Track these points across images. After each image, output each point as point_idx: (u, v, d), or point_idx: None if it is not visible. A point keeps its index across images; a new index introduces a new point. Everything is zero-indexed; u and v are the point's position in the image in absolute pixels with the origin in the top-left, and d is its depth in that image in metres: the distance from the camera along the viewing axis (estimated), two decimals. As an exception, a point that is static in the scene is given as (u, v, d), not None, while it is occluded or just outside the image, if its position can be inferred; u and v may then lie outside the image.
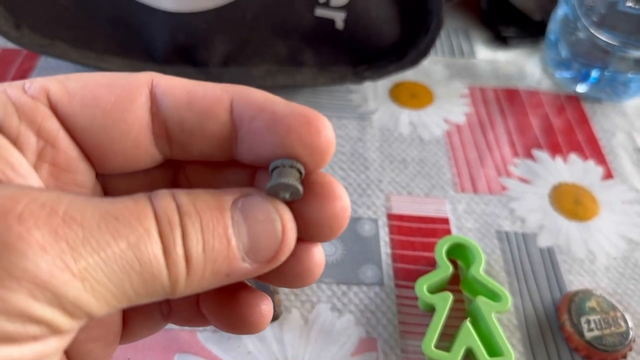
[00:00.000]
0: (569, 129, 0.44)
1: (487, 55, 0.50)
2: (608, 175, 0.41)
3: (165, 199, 0.14)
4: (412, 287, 0.33)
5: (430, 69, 0.48)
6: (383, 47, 0.41)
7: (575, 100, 0.46)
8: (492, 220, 0.37)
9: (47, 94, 0.17)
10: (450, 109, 0.44)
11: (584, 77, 0.46)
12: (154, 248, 0.14)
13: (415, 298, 0.33)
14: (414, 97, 0.45)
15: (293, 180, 0.16)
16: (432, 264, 0.34)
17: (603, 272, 0.35)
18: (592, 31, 0.43)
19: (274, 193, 0.16)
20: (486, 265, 0.35)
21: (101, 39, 0.40)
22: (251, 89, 0.17)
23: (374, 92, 0.45)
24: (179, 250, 0.14)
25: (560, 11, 0.46)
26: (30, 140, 0.16)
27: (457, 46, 0.50)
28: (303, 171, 0.16)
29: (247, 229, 0.15)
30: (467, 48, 0.50)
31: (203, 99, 0.16)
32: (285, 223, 0.16)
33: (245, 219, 0.15)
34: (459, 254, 0.34)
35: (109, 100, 0.16)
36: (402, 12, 0.41)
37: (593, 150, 0.43)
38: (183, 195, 0.15)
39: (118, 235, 0.13)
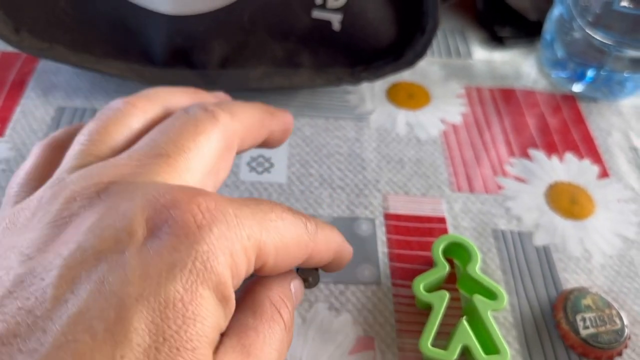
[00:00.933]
0: (564, 129, 0.44)
1: (483, 56, 0.50)
2: (604, 174, 0.41)
3: (280, 302, 0.22)
4: (409, 287, 0.33)
5: (427, 69, 0.48)
6: (380, 48, 0.42)
7: (571, 99, 0.47)
8: (488, 219, 0.38)
9: None
10: (446, 109, 0.45)
11: (580, 77, 0.46)
12: None
13: (413, 297, 0.33)
14: (411, 97, 0.45)
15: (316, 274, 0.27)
16: (429, 263, 0.35)
17: (599, 270, 0.36)
18: (588, 31, 0.43)
19: (302, 275, 0.26)
20: (482, 264, 0.35)
21: (100, 42, 0.41)
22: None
23: (371, 93, 0.45)
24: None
25: (556, 11, 0.46)
26: None
27: (454, 47, 0.51)
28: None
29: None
30: (463, 48, 0.50)
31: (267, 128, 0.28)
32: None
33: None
34: (456, 252, 0.34)
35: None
36: (399, 13, 0.41)
37: (589, 149, 0.43)
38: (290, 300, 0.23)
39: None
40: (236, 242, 0.18)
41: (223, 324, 0.19)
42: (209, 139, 0.22)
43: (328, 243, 0.24)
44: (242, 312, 0.21)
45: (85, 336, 0.15)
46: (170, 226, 0.17)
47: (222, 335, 0.19)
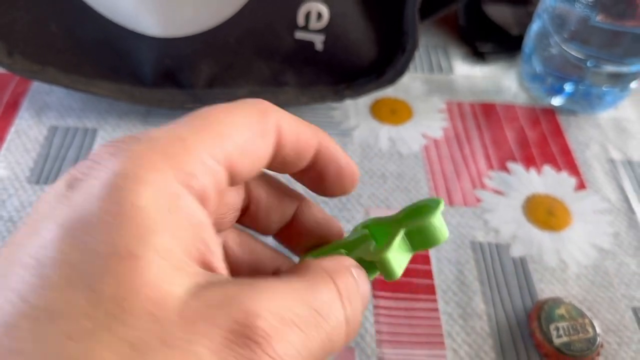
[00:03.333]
0: (543, 142, 0.46)
1: (464, 71, 0.51)
2: (581, 186, 0.43)
3: (347, 280, 0.19)
4: (390, 298, 0.34)
5: (410, 85, 0.49)
6: (362, 67, 0.43)
7: (550, 113, 0.48)
8: (467, 231, 0.39)
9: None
10: (428, 124, 0.46)
11: (559, 91, 0.48)
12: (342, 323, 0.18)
13: (393, 308, 0.34)
14: (393, 113, 0.47)
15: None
16: (410, 275, 0.36)
17: (574, 281, 0.37)
18: (564, 46, 0.45)
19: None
20: (460, 275, 0.36)
21: (90, 64, 0.42)
22: (328, 137, 0.22)
23: (355, 108, 0.47)
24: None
25: (535, 26, 0.48)
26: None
27: (436, 62, 0.52)
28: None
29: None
30: (445, 64, 0.52)
31: (305, 142, 0.21)
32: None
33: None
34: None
35: (253, 144, 0.19)
36: (379, 33, 0.42)
37: (567, 161, 0.44)
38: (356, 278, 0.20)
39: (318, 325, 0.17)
40: (174, 155, 0.17)
41: (200, 242, 0.17)
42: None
43: (298, 128, 0.21)
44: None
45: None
46: (90, 171, 0.16)
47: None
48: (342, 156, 0.23)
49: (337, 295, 0.18)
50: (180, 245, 0.16)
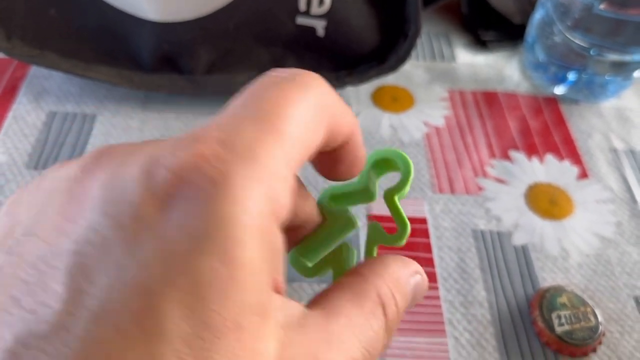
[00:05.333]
0: (546, 130, 0.45)
1: (467, 59, 0.51)
2: (583, 175, 0.42)
3: (389, 298, 0.19)
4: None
5: (412, 73, 0.49)
6: (363, 53, 0.43)
7: (552, 102, 0.48)
8: (468, 219, 0.39)
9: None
10: (430, 112, 0.46)
11: (561, 80, 0.47)
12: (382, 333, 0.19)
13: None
14: (395, 100, 0.46)
15: None
16: None
17: (576, 269, 0.37)
18: (567, 35, 0.44)
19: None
20: (461, 262, 0.36)
21: (89, 48, 0.42)
22: (358, 126, 0.21)
23: (356, 96, 0.46)
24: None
25: (538, 15, 0.47)
26: None
27: (438, 50, 0.52)
28: None
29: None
30: (447, 52, 0.51)
31: (341, 130, 0.20)
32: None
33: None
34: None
35: (312, 141, 0.18)
36: (381, 19, 0.42)
37: (569, 150, 0.44)
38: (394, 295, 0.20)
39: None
40: (266, 178, 0.15)
41: (276, 271, 0.16)
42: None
43: (341, 116, 0.19)
44: (341, 291, 0.19)
45: (114, 334, 0.13)
46: (180, 192, 0.14)
47: (310, 303, 0.18)
48: (362, 146, 0.21)
49: (384, 327, 0.19)
50: (269, 283, 0.15)
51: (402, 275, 0.20)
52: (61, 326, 0.13)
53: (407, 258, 0.22)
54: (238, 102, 0.17)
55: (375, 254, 0.24)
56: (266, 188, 0.15)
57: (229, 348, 0.13)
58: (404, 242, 0.23)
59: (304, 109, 0.17)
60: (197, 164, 0.14)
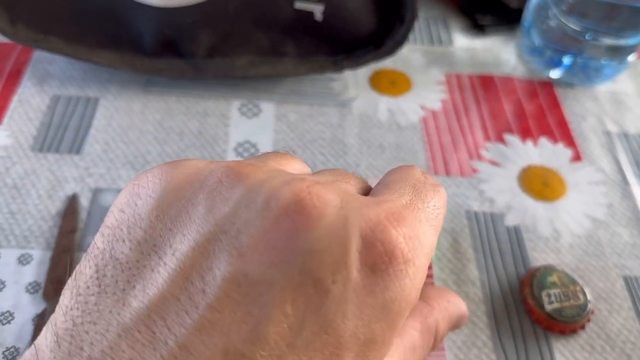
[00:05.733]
0: (540, 114, 0.46)
1: (464, 43, 0.52)
2: (577, 157, 0.43)
3: (440, 333, 0.23)
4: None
5: (409, 56, 0.50)
6: (361, 38, 0.43)
7: (548, 85, 0.48)
8: (462, 201, 0.39)
9: None
10: (427, 96, 0.46)
11: (557, 64, 0.48)
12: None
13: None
14: (392, 84, 0.47)
15: None
16: None
17: (567, 250, 0.38)
18: (562, 19, 0.45)
19: None
20: (454, 243, 0.37)
21: (92, 33, 0.43)
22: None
23: (354, 80, 0.47)
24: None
25: (534, -1, 0.48)
26: None
27: (436, 34, 0.52)
28: None
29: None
30: (445, 36, 0.52)
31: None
32: None
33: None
34: None
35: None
36: (378, 4, 0.43)
37: (563, 133, 0.45)
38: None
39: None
40: (426, 264, 0.19)
41: None
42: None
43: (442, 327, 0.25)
44: (412, 318, 0.22)
45: None
46: (382, 261, 0.17)
47: None
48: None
49: (428, 352, 0.23)
50: None
51: (453, 314, 0.24)
52: (278, 352, 0.16)
53: (459, 298, 0.25)
54: None
55: None
56: (423, 274, 0.19)
57: None
58: None
59: (417, 338, 0.23)
60: (398, 241, 0.18)
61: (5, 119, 0.42)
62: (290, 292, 0.16)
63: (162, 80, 0.45)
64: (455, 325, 0.25)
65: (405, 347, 0.21)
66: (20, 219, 0.36)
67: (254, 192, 0.17)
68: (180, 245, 0.16)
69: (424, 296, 0.23)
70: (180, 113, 0.43)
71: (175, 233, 0.17)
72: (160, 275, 0.16)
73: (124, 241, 0.17)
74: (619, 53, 0.46)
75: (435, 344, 0.23)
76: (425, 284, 0.21)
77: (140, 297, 0.16)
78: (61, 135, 0.41)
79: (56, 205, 0.37)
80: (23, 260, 0.34)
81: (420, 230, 0.18)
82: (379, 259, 0.17)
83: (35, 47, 0.42)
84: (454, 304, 0.25)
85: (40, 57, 0.46)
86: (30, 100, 0.43)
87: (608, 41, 0.45)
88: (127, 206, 0.18)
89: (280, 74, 0.43)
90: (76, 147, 0.40)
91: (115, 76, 0.45)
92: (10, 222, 0.36)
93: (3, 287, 0.33)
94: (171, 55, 0.43)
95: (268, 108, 0.44)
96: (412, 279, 0.17)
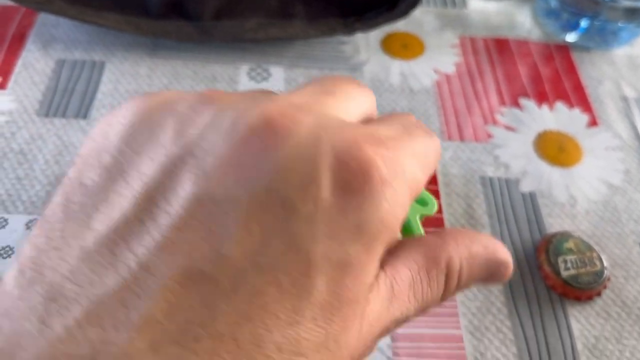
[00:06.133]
0: (556, 78, 0.45)
1: (478, 6, 0.50)
2: (593, 122, 0.42)
3: (454, 270, 0.20)
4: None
5: (422, 19, 0.48)
6: (372, -1, 0.42)
7: (564, 49, 0.47)
8: (477, 166, 0.39)
9: None
10: (440, 59, 0.45)
11: (574, 27, 0.47)
12: None
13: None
14: (405, 47, 0.46)
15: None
16: None
17: (583, 216, 0.37)
18: (581, -20, 0.43)
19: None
20: (469, 209, 0.37)
21: (97, -6, 0.42)
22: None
23: (365, 43, 0.46)
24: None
25: (551, -40, 0.47)
26: None
27: (449, -3, 0.51)
28: None
29: None
30: (458, -2, 0.51)
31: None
32: None
33: None
34: None
35: None
36: (391, -37, 0.41)
37: (579, 98, 0.44)
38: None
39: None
40: (407, 193, 0.18)
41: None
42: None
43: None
44: (416, 251, 0.19)
45: (272, 288, 0.15)
46: (356, 180, 0.16)
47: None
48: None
49: (440, 295, 0.20)
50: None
51: (479, 255, 0.20)
52: (230, 274, 0.15)
53: (497, 241, 0.21)
54: None
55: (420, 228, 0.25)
56: (404, 199, 0.18)
57: (344, 317, 0.16)
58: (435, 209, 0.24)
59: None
60: (374, 162, 0.17)
61: (10, 84, 0.41)
62: (256, 211, 0.15)
63: (169, 44, 0.44)
64: (490, 272, 0.21)
65: (396, 279, 0.18)
66: (27, 184, 0.36)
67: (223, 114, 0.17)
68: (147, 169, 0.16)
69: (439, 233, 0.20)
70: (187, 77, 0.42)
71: (143, 157, 0.17)
72: (125, 199, 0.16)
73: (93, 168, 0.17)
74: (637, 16, 0.45)
75: (452, 285, 0.20)
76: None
77: (104, 220, 0.16)
78: (67, 99, 0.40)
79: (63, 170, 0.37)
80: (31, 226, 0.34)
81: (403, 158, 0.18)
82: (353, 177, 0.16)
83: (39, 10, 0.41)
84: (483, 244, 0.20)
85: (44, 20, 0.45)
86: (35, 64, 0.42)
87: (626, 3, 0.43)
88: (98, 135, 0.18)
89: (290, 37, 0.42)
90: (83, 112, 0.40)
91: (120, 39, 0.44)
92: (17, 188, 0.36)
93: (11, 254, 0.33)
94: (177, 18, 0.42)
95: (277, 72, 0.43)
96: (389, 201, 0.16)
